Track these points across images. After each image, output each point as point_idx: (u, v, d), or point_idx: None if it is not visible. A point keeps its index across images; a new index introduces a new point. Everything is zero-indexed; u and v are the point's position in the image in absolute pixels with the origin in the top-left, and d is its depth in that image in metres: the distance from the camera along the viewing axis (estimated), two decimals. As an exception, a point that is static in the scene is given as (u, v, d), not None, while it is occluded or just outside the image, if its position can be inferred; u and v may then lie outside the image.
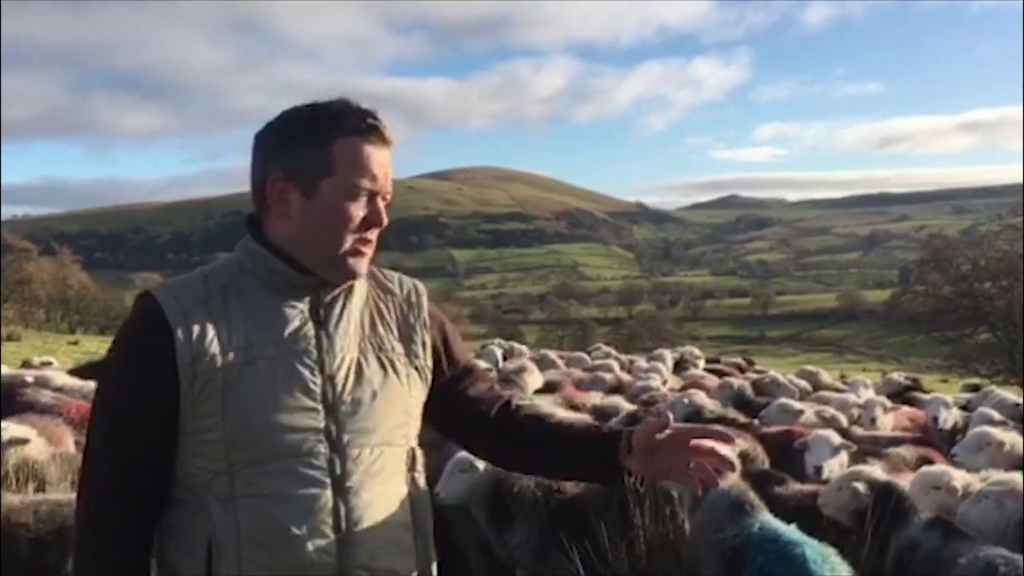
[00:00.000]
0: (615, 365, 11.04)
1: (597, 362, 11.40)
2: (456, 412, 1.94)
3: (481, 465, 4.37)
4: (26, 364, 10.49)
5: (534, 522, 4.36)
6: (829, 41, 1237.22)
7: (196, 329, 1.64)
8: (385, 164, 1.73)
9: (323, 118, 1.71)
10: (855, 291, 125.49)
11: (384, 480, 1.73)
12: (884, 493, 4.08)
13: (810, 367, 11.27)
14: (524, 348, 13.33)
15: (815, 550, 3.41)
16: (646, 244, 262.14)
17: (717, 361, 12.92)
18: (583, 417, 1.72)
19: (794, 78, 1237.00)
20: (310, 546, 1.62)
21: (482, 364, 9.39)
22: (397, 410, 1.76)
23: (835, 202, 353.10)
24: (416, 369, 1.82)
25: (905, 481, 4.46)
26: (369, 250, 1.75)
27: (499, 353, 11.62)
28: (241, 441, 1.62)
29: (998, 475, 4.33)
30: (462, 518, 4.79)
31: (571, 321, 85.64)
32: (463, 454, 4.34)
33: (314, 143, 1.69)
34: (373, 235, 1.75)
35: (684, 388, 8.81)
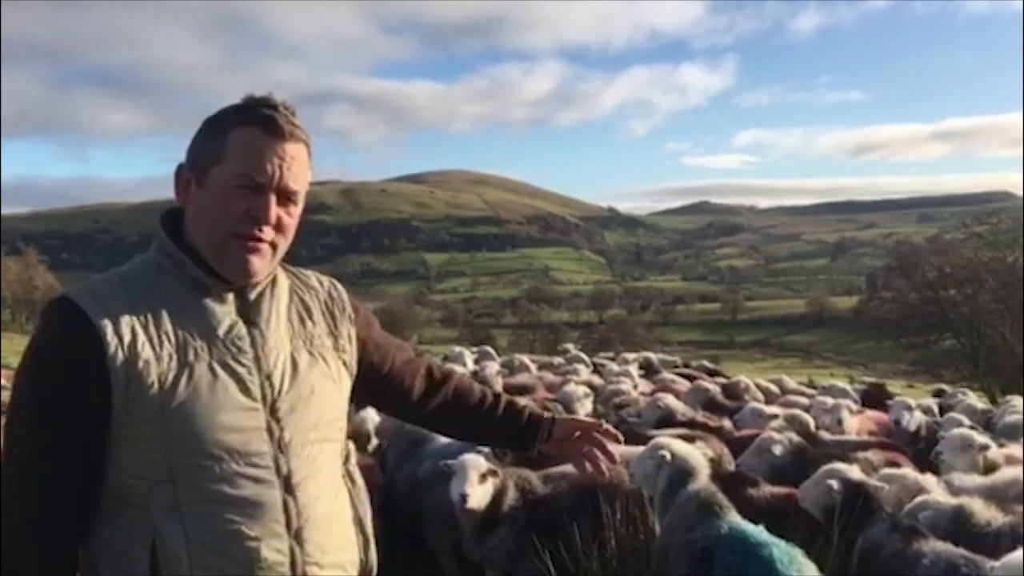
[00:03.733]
0: (583, 369, 11.10)
1: (566, 366, 11.43)
2: (382, 385, 2.00)
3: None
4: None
5: (514, 525, 4.37)
6: (816, 48, 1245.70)
7: (126, 333, 1.56)
8: (284, 158, 1.64)
9: (228, 109, 1.67)
10: (823, 297, 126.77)
11: (326, 475, 1.72)
12: (854, 492, 4.14)
13: (775, 377, 11.34)
14: (493, 352, 13.32)
15: (782, 551, 3.45)
16: (617, 249, 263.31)
17: (687, 366, 12.99)
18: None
19: (777, 85, 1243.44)
20: (264, 546, 1.60)
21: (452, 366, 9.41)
22: (332, 404, 1.76)
23: (804, 209, 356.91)
24: (343, 363, 1.82)
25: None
26: (263, 248, 1.65)
27: (468, 357, 11.62)
28: (183, 447, 1.56)
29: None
30: (437, 519, 4.81)
31: (542, 325, 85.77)
32: (473, 458, 4.33)
33: (214, 132, 1.66)
34: (266, 233, 1.65)
35: (655, 392, 8.86)
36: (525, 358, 12.24)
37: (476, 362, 11.45)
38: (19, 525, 1.54)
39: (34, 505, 1.55)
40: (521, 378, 9.77)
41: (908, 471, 4.95)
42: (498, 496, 4.36)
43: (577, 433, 2.16)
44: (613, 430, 2.18)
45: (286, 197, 1.66)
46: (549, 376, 10.27)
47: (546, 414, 2.20)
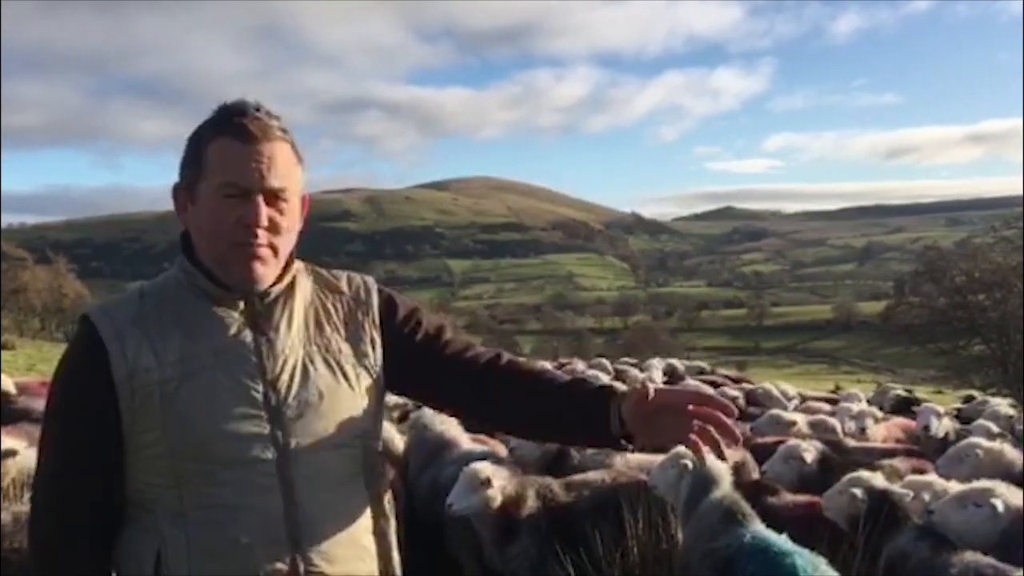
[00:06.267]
0: (604, 376, 11.08)
1: (588, 372, 11.41)
2: (439, 376, 1.85)
3: (496, 483, 4.35)
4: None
5: (535, 533, 4.36)
6: (854, 51, 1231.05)
7: (131, 345, 1.62)
8: (261, 160, 1.63)
9: (203, 123, 1.68)
10: (850, 302, 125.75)
11: (338, 483, 1.70)
12: (879, 500, 4.10)
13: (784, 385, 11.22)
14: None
15: (806, 560, 3.42)
16: (642, 255, 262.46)
17: (712, 372, 12.93)
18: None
19: (812, 88, 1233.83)
20: (263, 555, 1.60)
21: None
22: (347, 412, 1.72)
23: (831, 214, 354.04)
24: (366, 368, 1.78)
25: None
26: (262, 252, 1.66)
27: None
28: (184, 453, 1.60)
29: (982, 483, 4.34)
30: (458, 527, 4.80)
31: (567, 331, 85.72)
32: (477, 465, 4.33)
33: (193, 149, 1.68)
34: (261, 237, 1.65)
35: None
36: (547, 364, 12.23)
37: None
38: (48, 536, 1.65)
39: (59, 516, 1.64)
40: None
41: (934, 478, 4.88)
42: (513, 504, 4.35)
43: (686, 405, 1.66)
44: (721, 399, 1.68)
45: (274, 197, 1.65)
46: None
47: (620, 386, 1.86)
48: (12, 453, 4.86)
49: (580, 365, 12.53)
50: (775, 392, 8.97)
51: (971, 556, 3.63)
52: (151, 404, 1.60)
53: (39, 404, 6.71)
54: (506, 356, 1.90)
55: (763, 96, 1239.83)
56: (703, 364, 13.96)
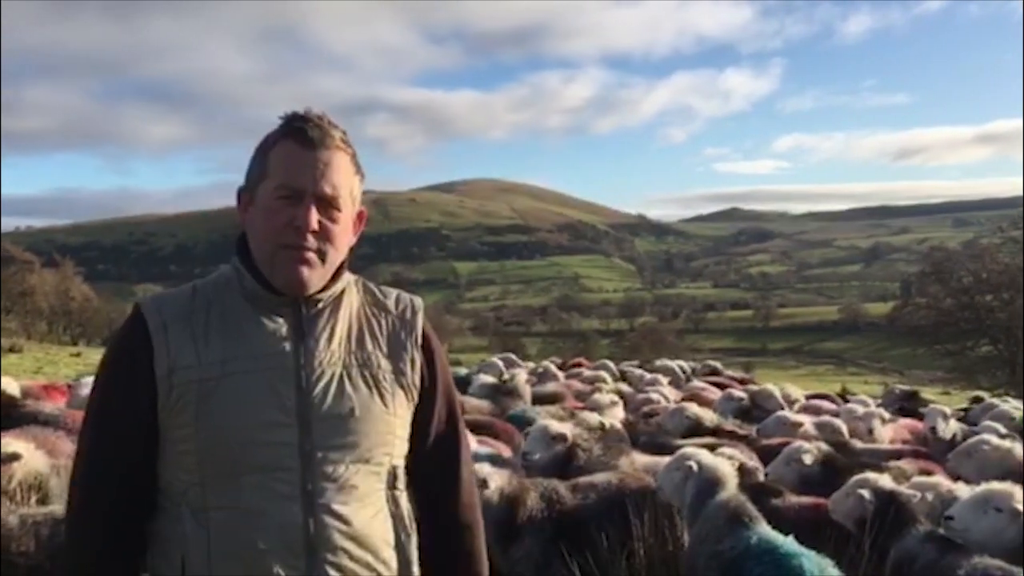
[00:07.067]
0: (611, 378, 11.06)
1: (594, 374, 11.37)
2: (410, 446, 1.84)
3: (493, 484, 4.34)
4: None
5: (539, 535, 4.36)
6: (864, 51, 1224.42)
7: (175, 342, 1.67)
8: (317, 166, 1.68)
9: (272, 130, 1.75)
10: (857, 303, 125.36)
11: (361, 497, 1.71)
12: (886, 502, 4.08)
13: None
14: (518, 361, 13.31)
15: (813, 562, 3.42)
16: (648, 256, 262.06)
17: (715, 374, 12.89)
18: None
19: (822, 89, 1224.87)
20: (277, 562, 1.62)
21: (486, 379, 9.37)
22: (378, 428, 1.73)
23: (837, 214, 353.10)
24: (403, 388, 1.79)
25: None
26: (310, 256, 1.69)
27: (502, 365, 11.60)
28: (213, 453, 1.63)
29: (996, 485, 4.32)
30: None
31: (573, 333, 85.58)
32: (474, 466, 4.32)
33: (259, 154, 1.75)
34: (310, 241, 1.68)
35: (684, 400, 8.81)
36: (551, 366, 12.21)
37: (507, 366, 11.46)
38: (81, 516, 1.71)
39: (86, 493, 1.70)
40: (550, 387, 9.74)
41: (941, 479, 4.87)
42: (511, 506, 4.34)
43: None
44: None
45: (326, 203, 1.69)
46: (577, 385, 10.24)
47: None
48: (16, 457, 4.85)
49: (587, 369, 12.48)
50: (777, 393, 8.92)
51: (978, 558, 3.61)
52: (187, 401, 1.64)
53: (45, 407, 6.73)
54: (465, 518, 1.91)
55: (773, 97, 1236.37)
56: (716, 364, 13.88)
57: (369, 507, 1.72)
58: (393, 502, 1.78)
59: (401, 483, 1.81)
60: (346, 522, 1.68)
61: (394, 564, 1.76)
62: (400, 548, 1.78)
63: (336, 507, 1.66)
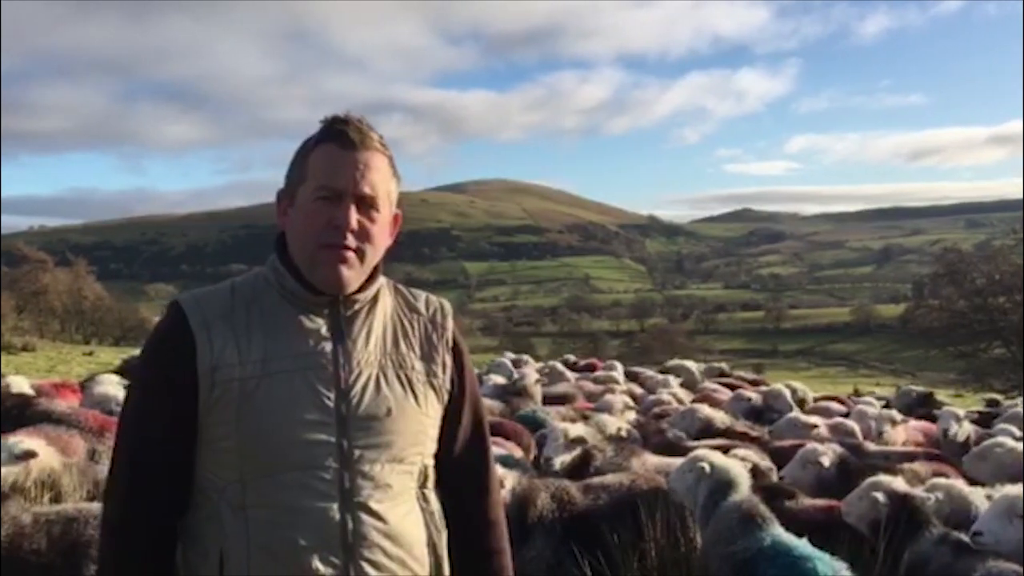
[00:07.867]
0: (620, 378, 11.03)
1: (605, 375, 11.34)
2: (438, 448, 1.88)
3: (507, 484, 4.34)
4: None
5: (550, 536, 4.36)
6: (880, 52, 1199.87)
7: (218, 340, 1.69)
8: (357, 166, 1.72)
9: (312, 135, 1.78)
10: (869, 305, 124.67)
11: (395, 496, 1.74)
12: (900, 504, 4.06)
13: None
14: (531, 360, 13.30)
15: (826, 564, 3.40)
16: (658, 257, 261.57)
17: (724, 375, 12.86)
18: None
19: (837, 89, 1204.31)
20: (316, 558, 1.64)
21: (496, 379, 9.38)
22: (412, 428, 1.77)
23: (849, 216, 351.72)
24: (434, 389, 1.83)
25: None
26: (349, 256, 1.72)
27: (511, 365, 11.60)
28: (253, 451, 1.66)
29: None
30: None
31: (583, 334, 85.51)
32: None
33: (299, 157, 1.79)
34: (349, 241, 1.72)
35: (695, 402, 8.79)
36: (561, 366, 12.19)
37: (515, 366, 11.45)
38: (121, 510, 1.72)
39: (124, 489, 1.72)
40: (560, 387, 9.74)
41: (955, 482, 4.84)
42: (522, 506, 4.34)
43: None
44: None
45: (366, 204, 1.73)
46: (589, 385, 10.23)
47: None
48: (32, 455, 4.88)
49: (599, 370, 12.46)
50: (786, 393, 8.89)
51: (993, 560, 3.59)
52: (229, 399, 1.67)
53: (58, 406, 6.76)
54: (492, 516, 1.96)
55: (787, 97, 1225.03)
56: (723, 366, 13.86)
57: (402, 505, 1.76)
58: (424, 500, 1.82)
59: (431, 482, 1.85)
60: (382, 520, 1.71)
61: (427, 561, 1.79)
62: (432, 546, 1.81)
63: (373, 505, 1.70)
